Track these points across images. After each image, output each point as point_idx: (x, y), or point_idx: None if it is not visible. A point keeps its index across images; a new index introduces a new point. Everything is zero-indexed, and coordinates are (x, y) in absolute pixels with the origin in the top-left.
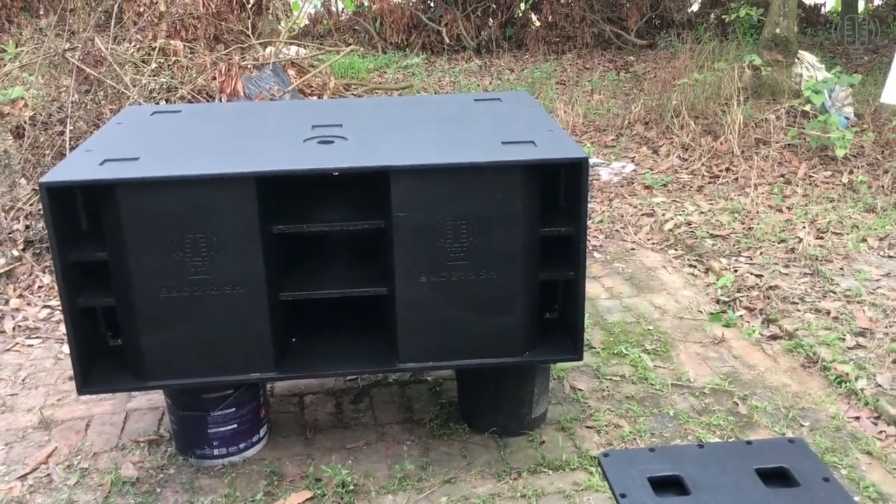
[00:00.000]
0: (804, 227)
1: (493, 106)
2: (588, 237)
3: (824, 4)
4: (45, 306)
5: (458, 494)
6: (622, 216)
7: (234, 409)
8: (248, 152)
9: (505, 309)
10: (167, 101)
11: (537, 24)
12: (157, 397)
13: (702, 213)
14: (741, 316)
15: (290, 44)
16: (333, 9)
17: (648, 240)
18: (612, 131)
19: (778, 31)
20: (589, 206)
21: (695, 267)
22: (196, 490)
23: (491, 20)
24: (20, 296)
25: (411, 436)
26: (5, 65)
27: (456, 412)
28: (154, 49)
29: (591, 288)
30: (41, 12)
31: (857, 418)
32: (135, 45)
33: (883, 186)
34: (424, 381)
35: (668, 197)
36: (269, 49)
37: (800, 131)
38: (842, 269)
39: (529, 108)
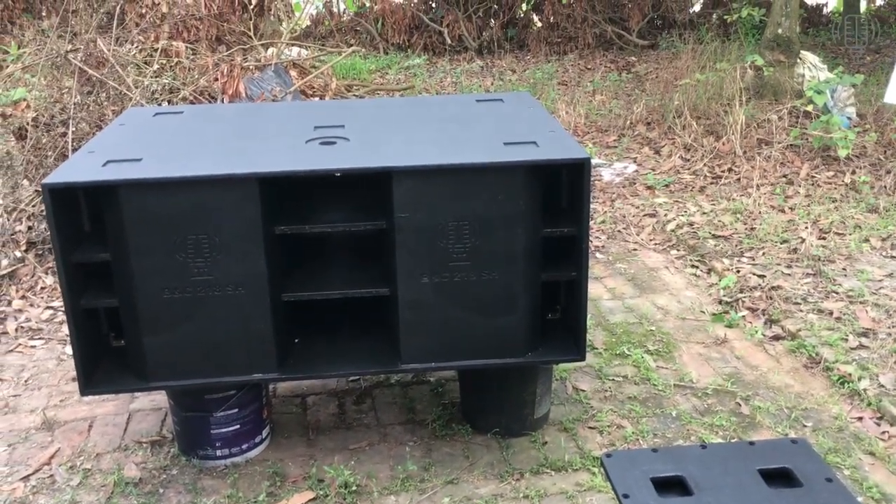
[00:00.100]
0: (806, 228)
1: (495, 107)
2: (590, 238)
3: (826, 5)
4: (48, 307)
5: (461, 495)
6: (624, 217)
7: (236, 410)
8: (250, 153)
9: (507, 309)
10: (169, 102)
11: (539, 24)
12: (159, 398)
13: (704, 213)
14: (744, 316)
15: (292, 45)
16: (335, 10)
17: (651, 240)
18: (614, 132)
19: (780, 31)
20: (591, 206)
21: (697, 267)
22: (199, 491)
23: (492, 21)
24: (23, 297)
25: (414, 436)
26: (8, 66)
27: (458, 413)
28: (156, 50)
29: (594, 288)
30: (43, 14)
31: (860, 419)
32: (137, 47)
33: (885, 187)
34: (427, 382)
35: (670, 197)
36: (270, 50)
37: (802, 132)
38: (844, 269)
39: (531, 109)
